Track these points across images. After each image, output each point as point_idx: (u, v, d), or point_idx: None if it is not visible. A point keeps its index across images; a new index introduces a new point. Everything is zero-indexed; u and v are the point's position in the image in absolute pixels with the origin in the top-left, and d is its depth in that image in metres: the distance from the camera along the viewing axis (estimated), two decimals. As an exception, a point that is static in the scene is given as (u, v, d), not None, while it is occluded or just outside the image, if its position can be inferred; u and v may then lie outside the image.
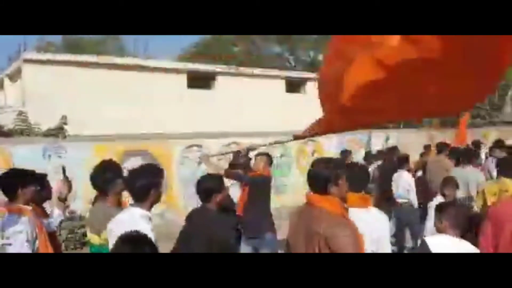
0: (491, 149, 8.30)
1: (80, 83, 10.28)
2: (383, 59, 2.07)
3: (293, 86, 14.70)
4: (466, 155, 6.52)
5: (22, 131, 9.22)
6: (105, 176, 3.14)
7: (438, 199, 4.85)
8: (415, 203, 6.45)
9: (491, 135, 14.03)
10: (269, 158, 5.29)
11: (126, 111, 10.39)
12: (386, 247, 3.06)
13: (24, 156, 7.75)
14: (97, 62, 11.01)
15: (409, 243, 6.68)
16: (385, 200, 6.69)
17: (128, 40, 35.90)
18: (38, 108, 9.39)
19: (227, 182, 5.34)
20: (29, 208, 3.10)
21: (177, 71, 12.34)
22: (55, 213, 3.44)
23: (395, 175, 6.67)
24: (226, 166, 5.58)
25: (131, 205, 2.88)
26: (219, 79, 13.04)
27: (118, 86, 10.76)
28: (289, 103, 13.34)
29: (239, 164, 5.17)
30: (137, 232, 2.11)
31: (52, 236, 3.23)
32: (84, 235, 6.20)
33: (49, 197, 3.38)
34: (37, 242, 3.03)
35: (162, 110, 11.03)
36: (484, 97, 2.71)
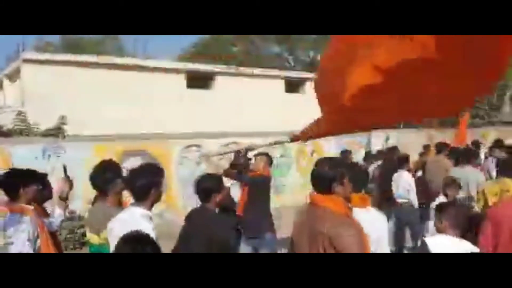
0: (490, 149, 8.30)
1: (79, 83, 10.27)
2: (383, 60, 2.07)
3: (292, 86, 14.70)
4: (466, 155, 6.52)
5: (21, 131, 9.21)
6: (105, 176, 3.14)
7: (441, 199, 4.85)
8: (415, 203, 6.45)
9: (490, 135, 14.04)
10: (269, 158, 5.29)
11: (125, 111, 10.38)
12: (385, 247, 3.06)
13: (23, 156, 7.75)
14: (97, 62, 10.99)
15: (409, 243, 6.69)
16: (385, 200, 6.69)
17: (127, 40, 35.93)
18: (37, 108, 9.38)
19: (228, 182, 5.37)
20: (31, 207, 3.10)
21: (176, 71, 12.33)
22: (57, 212, 3.44)
23: (395, 175, 6.67)
24: (227, 165, 5.58)
25: (132, 204, 2.88)
26: (218, 79, 13.03)
27: (118, 86, 10.75)
28: (288, 103, 13.34)
29: (240, 164, 5.18)
30: (138, 232, 2.11)
31: (53, 235, 3.23)
32: (84, 235, 6.20)
33: (50, 197, 3.39)
34: (38, 241, 3.03)
35: (162, 110, 11.02)
36: (482, 94, 2.72)
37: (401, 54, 2.00)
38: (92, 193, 3.31)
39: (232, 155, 5.32)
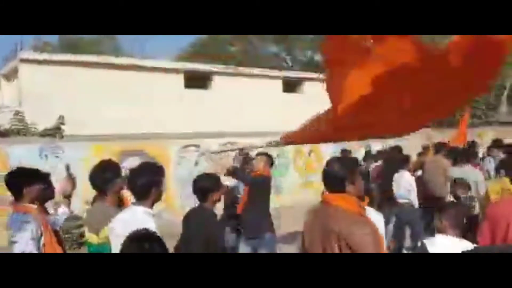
0: (489, 148, 8.31)
1: (77, 83, 10.24)
2: (378, 68, 2.06)
3: (290, 86, 14.70)
4: (465, 154, 6.53)
5: (19, 131, 9.19)
6: (104, 176, 3.15)
7: (450, 199, 4.87)
8: (416, 203, 6.44)
9: (487, 135, 14.05)
10: (269, 158, 5.27)
11: (123, 111, 10.36)
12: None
13: (21, 156, 7.73)
14: (94, 62, 10.97)
15: (408, 243, 6.69)
16: (386, 200, 6.69)
17: (125, 40, 35.89)
18: (35, 108, 9.36)
19: (229, 181, 5.37)
20: (34, 206, 3.11)
21: (174, 71, 12.31)
22: (60, 211, 3.46)
23: (396, 175, 6.65)
24: (228, 164, 5.58)
25: (133, 203, 2.89)
26: (216, 79, 13.02)
27: (115, 86, 10.73)
28: (286, 103, 13.34)
29: (242, 164, 5.19)
30: (145, 229, 2.12)
31: (56, 233, 3.24)
32: (81, 235, 6.18)
33: (52, 197, 3.39)
34: (42, 240, 3.04)
35: (160, 110, 11.01)
36: (478, 94, 2.75)
37: (397, 58, 1.99)
38: (90, 193, 3.32)
39: (231, 154, 5.31)
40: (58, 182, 3.45)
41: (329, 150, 11.54)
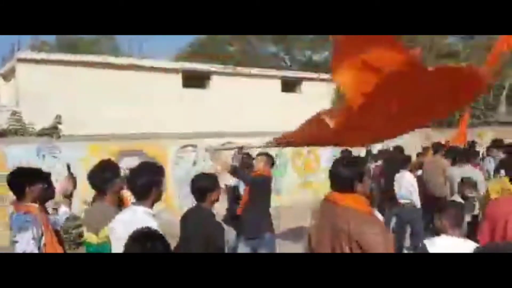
0: (488, 148, 8.31)
1: (75, 83, 10.20)
2: (377, 81, 2.06)
3: (289, 85, 14.69)
4: (465, 154, 6.53)
5: (16, 131, 9.16)
6: (104, 176, 3.17)
7: (457, 199, 4.87)
8: (418, 203, 6.42)
9: (486, 135, 14.06)
10: (269, 158, 5.25)
11: (122, 111, 10.32)
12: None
13: (18, 156, 7.70)
14: (92, 62, 10.92)
15: (408, 243, 6.68)
16: (387, 200, 6.69)
17: (123, 40, 35.88)
18: (32, 107, 9.32)
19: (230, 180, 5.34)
20: (36, 205, 3.12)
21: (172, 70, 12.28)
22: (61, 210, 3.48)
23: (398, 176, 6.64)
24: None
25: (133, 203, 2.90)
26: (214, 79, 13.00)
27: (114, 85, 10.69)
28: (284, 102, 13.32)
29: (244, 163, 5.18)
30: (147, 227, 2.13)
31: (56, 233, 3.25)
32: (80, 235, 6.16)
33: (52, 197, 3.40)
34: (43, 239, 3.05)
35: (158, 110, 10.98)
36: (475, 98, 2.79)
37: (393, 63, 1.99)
38: (88, 193, 3.32)
39: (232, 152, 5.30)
40: (56, 182, 3.44)
41: (328, 151, 11.53)
